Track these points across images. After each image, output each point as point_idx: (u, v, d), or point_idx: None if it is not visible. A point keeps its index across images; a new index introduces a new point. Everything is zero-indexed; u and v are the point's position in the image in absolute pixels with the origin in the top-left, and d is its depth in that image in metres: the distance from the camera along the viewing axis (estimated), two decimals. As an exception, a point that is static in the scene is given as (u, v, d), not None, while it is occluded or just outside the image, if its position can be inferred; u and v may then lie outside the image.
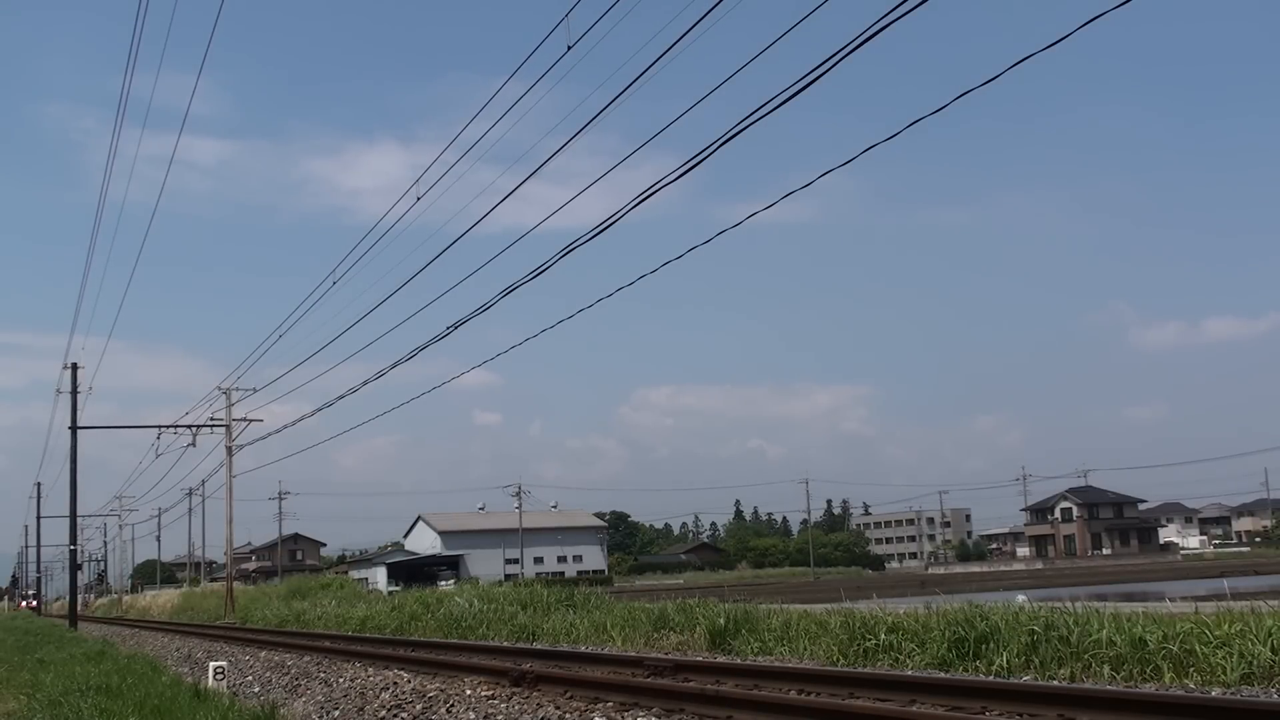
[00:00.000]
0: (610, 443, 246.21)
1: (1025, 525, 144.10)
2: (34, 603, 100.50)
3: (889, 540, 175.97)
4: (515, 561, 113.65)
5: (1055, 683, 10.05)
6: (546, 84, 14.70)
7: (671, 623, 17.97)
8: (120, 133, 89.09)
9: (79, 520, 49.64)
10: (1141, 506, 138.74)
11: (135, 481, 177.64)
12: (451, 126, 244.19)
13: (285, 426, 53.60)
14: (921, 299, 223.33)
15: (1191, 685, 9.65)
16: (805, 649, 14.30)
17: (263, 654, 20.85)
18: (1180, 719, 7.48)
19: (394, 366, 26.22)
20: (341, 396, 32.93)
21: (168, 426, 47.33)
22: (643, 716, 9.64)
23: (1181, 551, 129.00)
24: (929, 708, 8.78)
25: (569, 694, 11.06)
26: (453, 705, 11.19)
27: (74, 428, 45.63)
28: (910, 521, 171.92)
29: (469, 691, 11.82)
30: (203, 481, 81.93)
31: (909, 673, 11.48)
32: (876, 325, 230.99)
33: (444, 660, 15.14)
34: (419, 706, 11.51)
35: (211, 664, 15.84)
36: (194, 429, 47.03)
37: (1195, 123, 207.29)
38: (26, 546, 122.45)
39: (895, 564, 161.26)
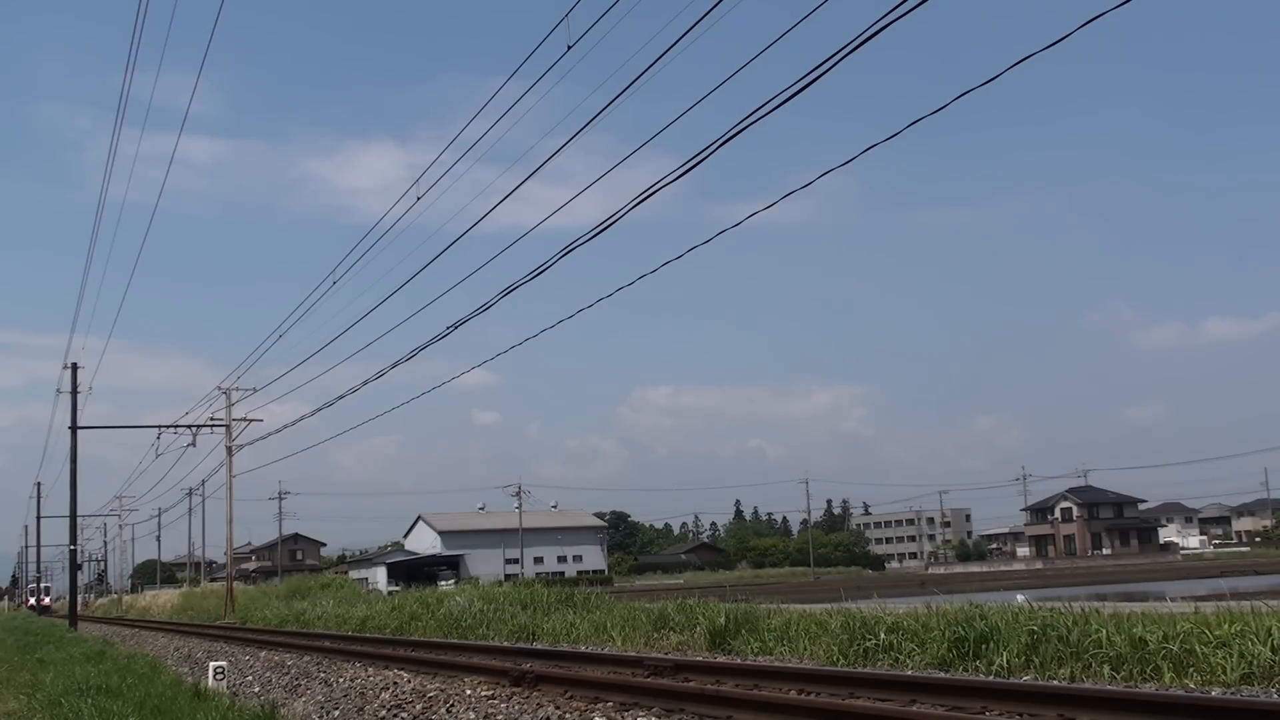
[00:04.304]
0: (610, 442, 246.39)
1: (1025, 525, 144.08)
2: (44, 599, 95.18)
3: (889, 540, 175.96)
4: (515, 561, 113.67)
5: (1055, 683, 10.04)
6: (546, 84, 14.71)
7: (671, 623, 17.96)
8: (120, 132, 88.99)
9: (79, 520, 49.71)
10: (1141, 506, 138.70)
11: (135, 481, 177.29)
12: (448, 126, 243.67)
13: (285, 426, 53.69)
14: (921, 298, 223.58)
15: (1191, 685, 9.65)
16: (805, 649, 14.30)
17: (263, 654, 20.86)
18: (1180, 719, 7.48)
19: (394, 366, 26.26)
20: (341, 396, 32.98)
21: (168, 426, 47.39)
22: (643, 716, 9.64)
23: (1181, 551, 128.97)
24: (929, 708, 8.78)
25: (569, 694, 11.07)
26: (453, 705, 11.19)
27: (74, 428, 45.64)
28: (910, 521, 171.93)
29: (469, 691, 11.82)
30: (203, 481, 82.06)
31: (909, 673, 11.48)
32: (876, 325, 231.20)
33: (444, 660, 15.15)
34: (419, 706, 11.51)
35: (211, 664, 15.84)
36: (194, 429, 47.09)
37: (1195, 123, 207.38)
38: (26, 546, 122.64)
39: (895, 564, 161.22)
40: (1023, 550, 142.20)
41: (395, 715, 11.49)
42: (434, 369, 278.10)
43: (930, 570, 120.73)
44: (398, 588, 67.81)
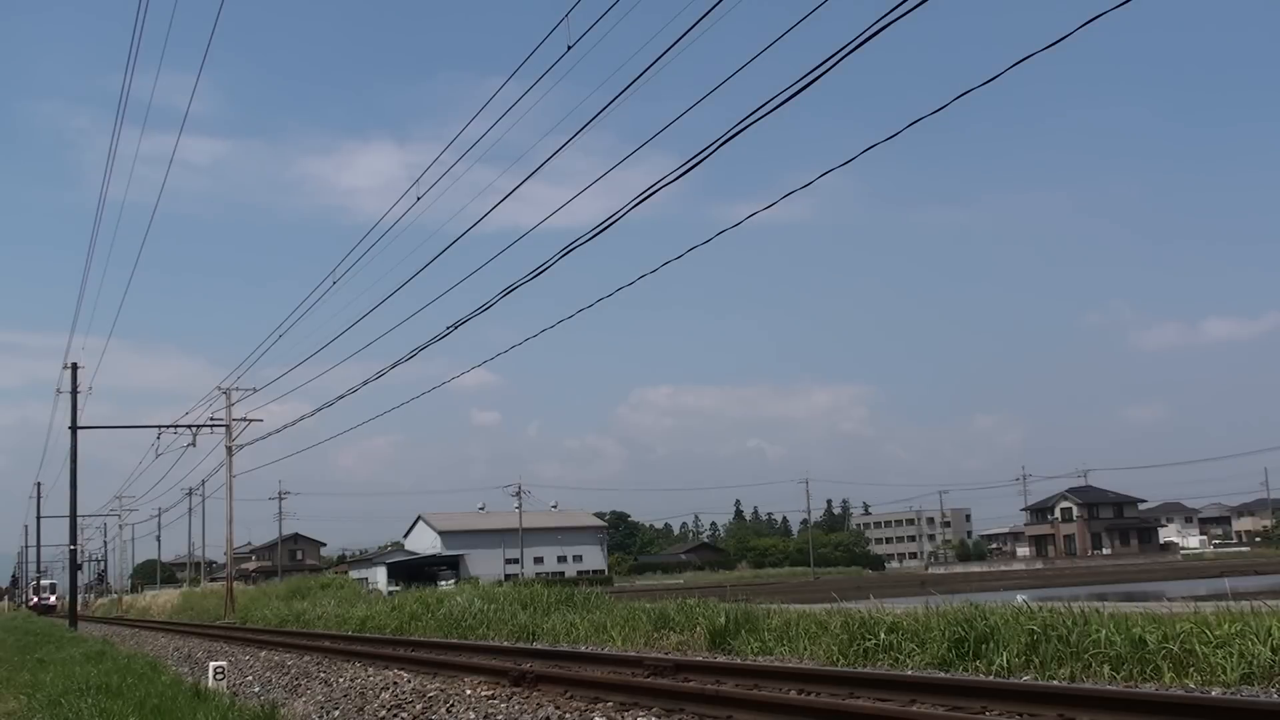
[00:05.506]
0: (609, 442, 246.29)
1: (1025, 525, 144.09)
2: (49, 598, 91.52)
3: (889, 540, 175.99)
4: (515, 561, 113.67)
5: (1055, 683, 10.04)
6: (546, 84, 14.72)
7: (671, 623, 17.96)
8: (119, 132, 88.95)
9: (79, 520, 49.72)
10: (1141, 506, 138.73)
11: (135, 481, 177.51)
12: (447, 126, 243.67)
13: (285, 426, 53.54)
14: (921, 298, 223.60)
15: (1191, 685, 9.65)
16: (805, 649, 14.30)
17: (263, 654, 20.87)
18: (1180, 719, 7.48)
19: (394, 366, 26.31)
20: (341, 396, 33.00)
21: (168, 426, 47.42)
22: (643, 716, 9.64)
23: (1181, 551, 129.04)
24: (929, 707, 8.77)
25: (569, 694, 11.07)
26: (453, 705, 11.19)
27: (74, 428, 45.66)
28: (910, 521, 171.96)
29: (469, 691, 11.82)
30: (203, 481, 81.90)
31: (909, 673, 11.48)
32: (876, 325, 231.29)
33: (444, 660, 15.15)
34: (419, 706, 11.51)
35: (211, 664, 15.84)
36: (194, 429, 47.12)
37: (1195, 123, 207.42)
38: (26, 546, 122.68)
39: (895, 564, 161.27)
40: (1023, 550, 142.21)
41: (395, 715, 11.49)
42: (434, 369, 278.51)
43: (930, 570, 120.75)
44: (398, 588, 67.73)
